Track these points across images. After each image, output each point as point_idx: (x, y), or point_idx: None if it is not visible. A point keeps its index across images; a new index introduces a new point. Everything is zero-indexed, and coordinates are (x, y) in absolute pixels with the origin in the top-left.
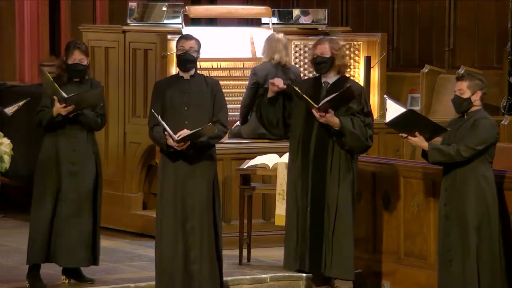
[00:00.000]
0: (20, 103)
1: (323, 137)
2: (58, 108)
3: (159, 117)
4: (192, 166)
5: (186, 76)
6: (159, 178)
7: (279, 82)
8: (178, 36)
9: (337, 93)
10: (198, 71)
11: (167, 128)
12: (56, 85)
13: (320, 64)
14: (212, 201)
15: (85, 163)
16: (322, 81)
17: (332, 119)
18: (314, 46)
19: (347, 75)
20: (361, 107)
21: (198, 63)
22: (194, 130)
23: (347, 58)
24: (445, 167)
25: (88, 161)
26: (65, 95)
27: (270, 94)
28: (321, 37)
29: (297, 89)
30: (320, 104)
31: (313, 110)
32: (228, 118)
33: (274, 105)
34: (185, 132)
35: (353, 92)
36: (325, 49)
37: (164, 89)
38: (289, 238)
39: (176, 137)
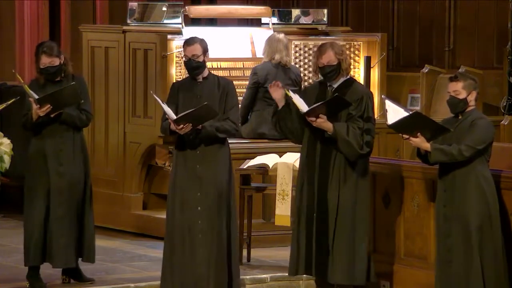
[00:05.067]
0: (8, 102)
1: (328, 145)
2: (35, 110)
3: (158, 99)
4: (203, 166)
5: (199, 78)
6: (170, 179)
7: (278, 83)
8: (178, 36)
9: (322, 102)
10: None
11: (166, 110)
12: (27, 87)
13: (329, 73)
14: (224, 202)
15: (72, 163)
16: (328, 85)
17: (325, 124)
18: (319, 55)
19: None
20: (361, 113)
21: None
22: (190, 110)
23: (349, 58)
24: (442, 168)
25: (75, 161)
26: (36, 96)
27: (280, 103)
28: (321, 42)
29: (287, 92)
30: (306, 110)
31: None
32: None
33: (290, 113)
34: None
35: (342, 100)
36: (331, 57)
37: (178, 91)
38: (294, 244)
39: (174, 116)
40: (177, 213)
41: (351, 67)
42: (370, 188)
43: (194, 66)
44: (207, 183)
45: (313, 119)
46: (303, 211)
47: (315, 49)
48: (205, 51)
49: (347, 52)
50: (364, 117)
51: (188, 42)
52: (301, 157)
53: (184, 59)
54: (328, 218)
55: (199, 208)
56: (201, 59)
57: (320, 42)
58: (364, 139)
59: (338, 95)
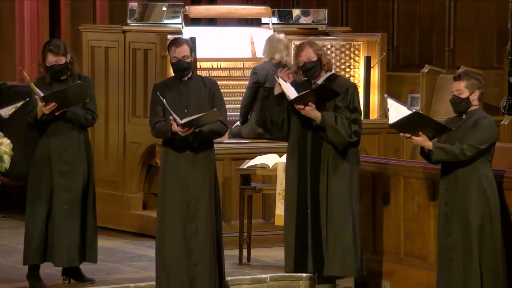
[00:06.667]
0: (18, 104)
1: (318, 137)
2: (40, 108)
3: (164, 101)
4: (193, 166)
5: (184, 78)
6: (160, 179)
7: (288, 72)
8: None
9: (308, 90)
10: (198, 71)
11: (173, 113)
12: (33, 84)
13: (311, 69)
14: (213, 202)
15: (76, 162)
16: (312, 82)
17: (313, 112)
18: (297, 54)
19: (347, 75)
20: (347, 103)
21: (198, 63)
22: (199, 115)
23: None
24: (444, 167)
25: (79, 160)
26: (42, 94)
27: (277, 91)
28: (301, 42)
29: (277, 79)
30: (294, 98)
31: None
32: (228, 118)
33: (280, 105)
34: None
35: (330, 89)
36: (310, 54)
37: (163, 91)
38: (289, 240)
39: (180, 121)
40: (169, 215)
41: (351, 67)
42: (369, 187)
43: (185, 67)
44: (197, 184)
45: (301, 106)
46: (296, 207)
47: None
48: (191, 51)
49: (347, 52)
50: (351, 107)
51: (177, 44)
52: (287, 154)
53: (172, 60)
54: (320, 211)
55: (190, 210)
56: (190, 59)
57: (320, 42)
58: (352, 128)
59: (326, 84)
